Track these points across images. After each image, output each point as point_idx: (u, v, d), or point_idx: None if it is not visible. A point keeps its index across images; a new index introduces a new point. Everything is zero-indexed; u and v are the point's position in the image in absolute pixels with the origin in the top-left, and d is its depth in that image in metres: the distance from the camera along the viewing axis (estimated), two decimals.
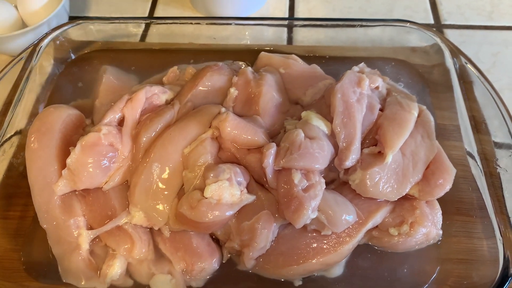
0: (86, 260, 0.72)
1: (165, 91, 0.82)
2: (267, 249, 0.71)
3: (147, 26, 1.08)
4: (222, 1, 1.10)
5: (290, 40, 1.07)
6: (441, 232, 0.73)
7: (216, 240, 0.75)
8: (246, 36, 1.02)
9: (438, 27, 1.12)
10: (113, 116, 0.77)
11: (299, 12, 1.17)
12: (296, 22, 1.03)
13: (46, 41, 0.92)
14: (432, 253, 0.73)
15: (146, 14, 1.18)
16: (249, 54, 0.97)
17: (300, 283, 0.72)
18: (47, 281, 0.73)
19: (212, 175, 0.69)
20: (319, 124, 0.75)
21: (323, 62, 0.94)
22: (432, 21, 1.13)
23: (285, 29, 1.08)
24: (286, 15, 1.16)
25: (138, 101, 0.78)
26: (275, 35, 1.05)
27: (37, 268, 0.74)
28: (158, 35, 1.05)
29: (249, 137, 0.74)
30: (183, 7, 1.19)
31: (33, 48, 0.90)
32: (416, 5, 1.17)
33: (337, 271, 0.73)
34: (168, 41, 1.03)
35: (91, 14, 1.19)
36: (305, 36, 1.07)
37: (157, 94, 0.81)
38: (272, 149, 0.71)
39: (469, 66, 0.83)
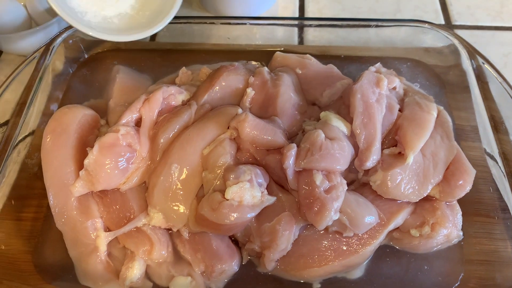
0: (104, 262, 0.71)
1: (182, 92, 0.81)
2: (288, 250, 0.70)
3: None
4: (232, 1, 1.09)
5: (301, 40, 1.06)
6: (461, 233, 0.72)
7: (235, 241, 0.74)
8: (257, 36, 1.01)
9: (448, 27, 1.11)
10: (130, 116, 0.76)
11: (309, 12, 1.16)
12: (311, 22, 1.02)
13: (59, 40, 0.91)
14: (453, 255, 0.72)
15: None
16: (261, 54, 0.96)
17: (319, 285, 0.71)
18: (62, 284, 0.72)
19: (232, 176, 0.69)
20: (338, 124, 0.75)
21: (337, 63, 0.92)
22: (442, 22, 1.13)
23: (296, 29, 1.07)
24: (296, 15, 1.16)
25: (156, 101, 0.77)
26: (286, 35, 1.05)
27: (52, 270, 0.73)
28: (169, 34, 1.04)
29: (269, 137, 0.74)
30: (192, 6, 1.18)
31: (46, 47, 0.88)
32: (426, 6, 1.16)
33: (358, 272, 0.72)
34: (178, 40, 1.02)
35: None
36: (315, 36, 1.06)
37: (174, 94, 0.80)
38: (293, 150, 0.71)
39: (486, 66, 0.83)
